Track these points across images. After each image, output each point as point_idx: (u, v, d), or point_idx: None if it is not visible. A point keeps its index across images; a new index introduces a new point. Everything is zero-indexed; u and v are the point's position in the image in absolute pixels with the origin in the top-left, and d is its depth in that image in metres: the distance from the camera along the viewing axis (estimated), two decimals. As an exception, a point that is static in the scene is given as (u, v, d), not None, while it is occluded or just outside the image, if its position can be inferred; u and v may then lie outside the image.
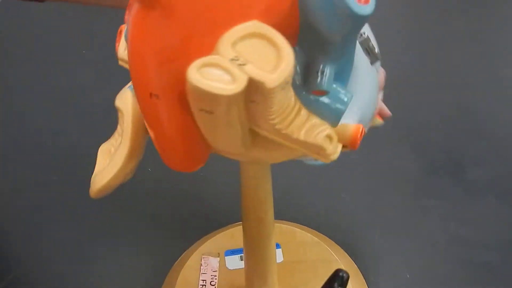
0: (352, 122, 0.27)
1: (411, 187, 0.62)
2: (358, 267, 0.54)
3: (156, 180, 0.63)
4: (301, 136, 0.24)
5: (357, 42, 0.27)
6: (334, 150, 0.25)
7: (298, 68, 0.24)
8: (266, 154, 0.27)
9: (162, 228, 0.58)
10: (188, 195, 0.62)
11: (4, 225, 0.60)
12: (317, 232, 0.57)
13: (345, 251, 0.56)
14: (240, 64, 0.19)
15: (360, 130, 0.26)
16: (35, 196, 0.63)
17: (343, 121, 0.26)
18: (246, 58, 0.19)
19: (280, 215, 0.57)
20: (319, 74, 0.23)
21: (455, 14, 0.88)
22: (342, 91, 0.24)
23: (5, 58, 0.84)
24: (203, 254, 0.53)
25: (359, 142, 0.26)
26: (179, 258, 0.55)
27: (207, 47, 0.20)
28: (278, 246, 0.53)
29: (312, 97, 0.24)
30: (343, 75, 0.25)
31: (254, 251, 0.42)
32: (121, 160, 0.27)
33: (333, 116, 0.25)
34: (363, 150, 0.67)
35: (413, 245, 0.57)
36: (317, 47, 0.23)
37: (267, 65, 0.19)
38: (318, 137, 0.24)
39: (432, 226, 0.59)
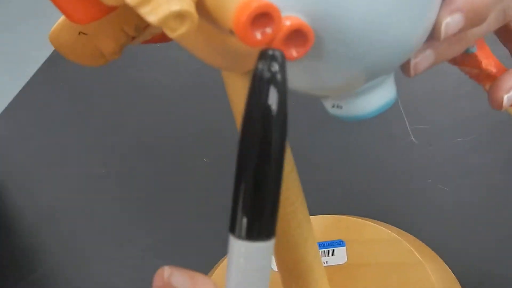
0: None
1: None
2: (456, 276, 0.41)
3: (209, 172, 0.56)
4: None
5: None
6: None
7: None
8: None
9: (207, 228, 0.51)
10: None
11: (39, 217, 0.56)
12: (397, 228, 0.44)
13: (436, 253, 0.43)
14: None
15: (254, 7, 0.15)
16: (74, 193, 0.59)
17: None
18: None
19: (347, 210, 0.46)
20: None
21: None
22: None
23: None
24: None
25: (246, 24, 0.15)
26: (218, 262, 0.47)
27: None
28: (342, 243, 0.42)
29: None
30: None
31: (281, 246, 0.33)
32: None
33: None
34: (476, 130, 0.52)
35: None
36: None
37: None
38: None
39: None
